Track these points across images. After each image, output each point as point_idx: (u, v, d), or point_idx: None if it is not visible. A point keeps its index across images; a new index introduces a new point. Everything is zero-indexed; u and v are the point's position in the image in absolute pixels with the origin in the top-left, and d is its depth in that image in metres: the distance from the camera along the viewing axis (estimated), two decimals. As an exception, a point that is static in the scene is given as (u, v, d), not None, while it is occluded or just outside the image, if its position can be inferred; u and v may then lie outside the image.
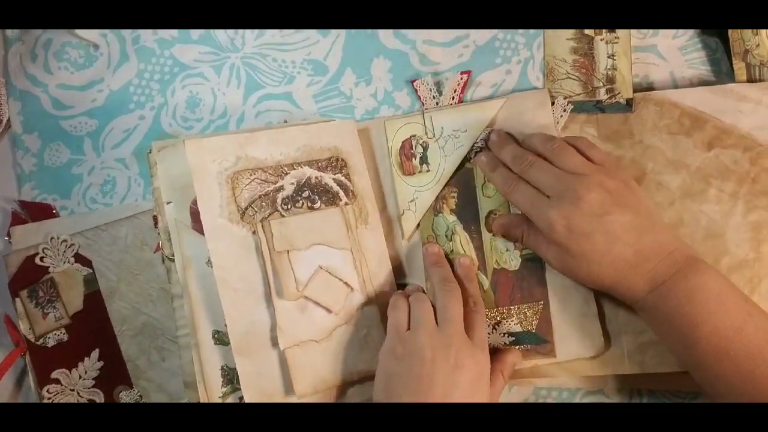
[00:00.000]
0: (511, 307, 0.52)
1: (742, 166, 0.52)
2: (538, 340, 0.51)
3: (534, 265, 0.52)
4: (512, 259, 0.52)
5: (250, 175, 0.50)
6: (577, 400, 0.54)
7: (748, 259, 0.51)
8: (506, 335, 0.52)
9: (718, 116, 0.52)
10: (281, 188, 0.51)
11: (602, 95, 0.53)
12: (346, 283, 0.51)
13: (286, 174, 0.51)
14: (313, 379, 0.49)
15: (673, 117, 0.53)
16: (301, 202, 0.51)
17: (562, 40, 0.54)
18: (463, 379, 0.45)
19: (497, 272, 0.53)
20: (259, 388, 0.48)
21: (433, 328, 0.47)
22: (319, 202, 0.52)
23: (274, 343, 0.49)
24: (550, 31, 0.55)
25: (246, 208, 0.50)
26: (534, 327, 0.51)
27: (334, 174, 0.53)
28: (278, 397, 0.49)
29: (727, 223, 0.51)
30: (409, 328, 0.47)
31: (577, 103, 0.54)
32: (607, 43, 0.54)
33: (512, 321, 0.52)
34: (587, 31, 0.54)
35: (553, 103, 0.54)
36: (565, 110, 0.54)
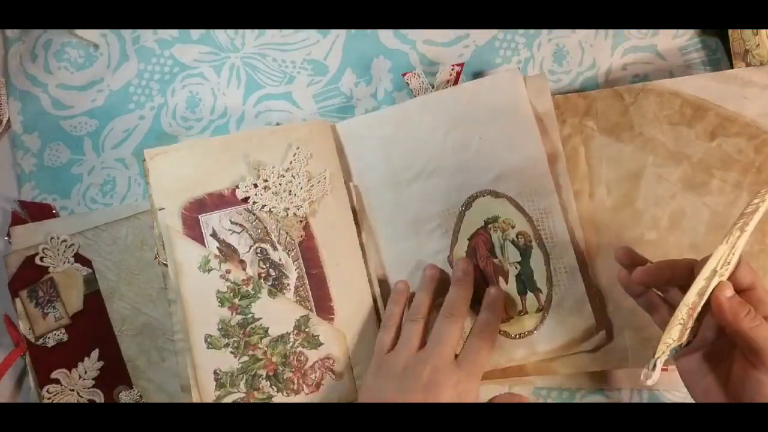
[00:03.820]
0: None
1: (747, 156, 0.51)
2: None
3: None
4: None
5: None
6: (577, 400, 0.54)
7: (752, 251, 0.50)
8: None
9: (721, 104, 0.52)
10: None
11: (685, 337, 0.40)
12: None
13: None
14: None
15: (674, 107, 0.53)
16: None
17: (700, 281, 0.38)
18: (442, 398, 0.44)
19: None
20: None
21: (415, 348, 0.47)
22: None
23: None
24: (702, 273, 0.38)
25: None
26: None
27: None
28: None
29: (730, 215, 0.51)
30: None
31: (671, 352, 0.40)
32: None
33: None
34: (718, 266, 0.39)
35: (654, 366, 0.38)
36: (654, 368, 0.39)
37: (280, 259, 0.52)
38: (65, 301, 0.57)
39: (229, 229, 0.52)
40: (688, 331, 0.40)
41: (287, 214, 0.53)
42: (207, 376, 0.50)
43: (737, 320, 0.38)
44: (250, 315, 0.51)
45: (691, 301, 0.38)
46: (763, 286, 0.41)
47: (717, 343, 0.43)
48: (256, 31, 0.61)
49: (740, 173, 0.51)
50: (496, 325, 0.50)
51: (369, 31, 0.60)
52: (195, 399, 0.50)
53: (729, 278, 0.40)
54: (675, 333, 0.39)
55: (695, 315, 0.39)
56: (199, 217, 0.52)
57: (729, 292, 0.39)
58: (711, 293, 0.39)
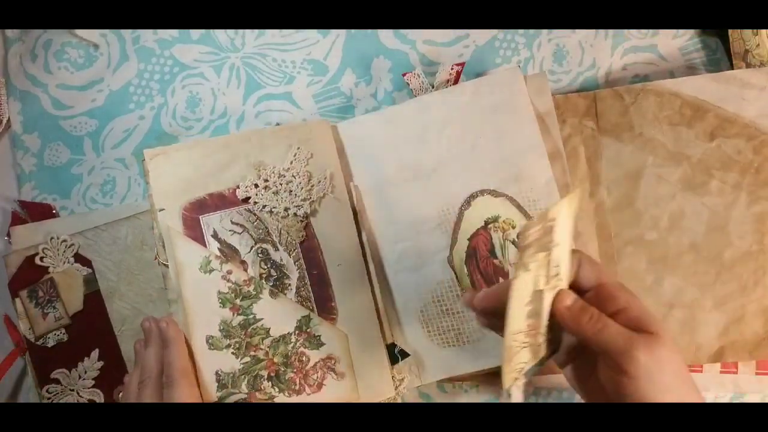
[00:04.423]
0: None
1: (746, 156, 0.51)
2: None
3: None
4: None
5: None
6: (577, 400, 0.54)
7: (752, 251, 0.51)
8: None
9: (720, 105, 0.52)
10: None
11: (543, 352, 0.40)
12: None
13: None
14: None
15: (674, 108, 0.53)
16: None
17: (521, 308, 0.36)
18: None
19: None
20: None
21: None
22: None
23: None
24: (511, 305, 0.35)
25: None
26: None
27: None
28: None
29: (729, 216, 0.51)
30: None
31: (528, 372, 0.40)
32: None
33: None
34: (541, 285, 0.36)
35: (510, 396, 0.39)
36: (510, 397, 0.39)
37: (281, 260, 0.52)
38: (65, 301, 0.57)
39: (230, 230, 0.52)
40: (542, 346, 0.39)
41: (288, 214, 0.53)
42: (209, 377, 0.50)
43: (580, 327, 0.37)
44: (252, 316, 0.51)
45: (516, 330, 0.36)
46: (612, 280, 0.39)
47: (582, 348, 0.41)
48: (256, 31, 0.61)
49: (739, 174, 0.51)
50: (179, 362, 0.48)
51: (369, 31, 0.60)
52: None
53: (573, 282, 0.38)
54: (524, 356, 0.37)
55: (543, 330, 0.38)
56: (200, 217, 0.52)
57: (568, 300, 0.38)
58: (553, 304, 0.37)
